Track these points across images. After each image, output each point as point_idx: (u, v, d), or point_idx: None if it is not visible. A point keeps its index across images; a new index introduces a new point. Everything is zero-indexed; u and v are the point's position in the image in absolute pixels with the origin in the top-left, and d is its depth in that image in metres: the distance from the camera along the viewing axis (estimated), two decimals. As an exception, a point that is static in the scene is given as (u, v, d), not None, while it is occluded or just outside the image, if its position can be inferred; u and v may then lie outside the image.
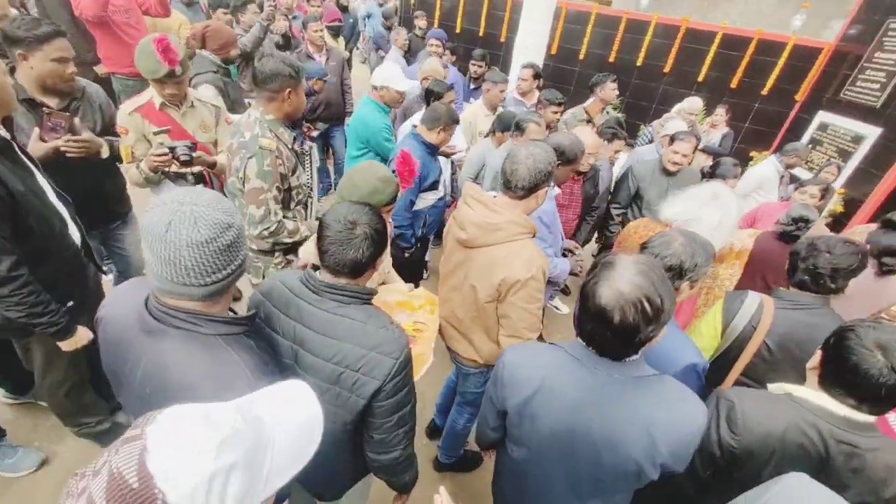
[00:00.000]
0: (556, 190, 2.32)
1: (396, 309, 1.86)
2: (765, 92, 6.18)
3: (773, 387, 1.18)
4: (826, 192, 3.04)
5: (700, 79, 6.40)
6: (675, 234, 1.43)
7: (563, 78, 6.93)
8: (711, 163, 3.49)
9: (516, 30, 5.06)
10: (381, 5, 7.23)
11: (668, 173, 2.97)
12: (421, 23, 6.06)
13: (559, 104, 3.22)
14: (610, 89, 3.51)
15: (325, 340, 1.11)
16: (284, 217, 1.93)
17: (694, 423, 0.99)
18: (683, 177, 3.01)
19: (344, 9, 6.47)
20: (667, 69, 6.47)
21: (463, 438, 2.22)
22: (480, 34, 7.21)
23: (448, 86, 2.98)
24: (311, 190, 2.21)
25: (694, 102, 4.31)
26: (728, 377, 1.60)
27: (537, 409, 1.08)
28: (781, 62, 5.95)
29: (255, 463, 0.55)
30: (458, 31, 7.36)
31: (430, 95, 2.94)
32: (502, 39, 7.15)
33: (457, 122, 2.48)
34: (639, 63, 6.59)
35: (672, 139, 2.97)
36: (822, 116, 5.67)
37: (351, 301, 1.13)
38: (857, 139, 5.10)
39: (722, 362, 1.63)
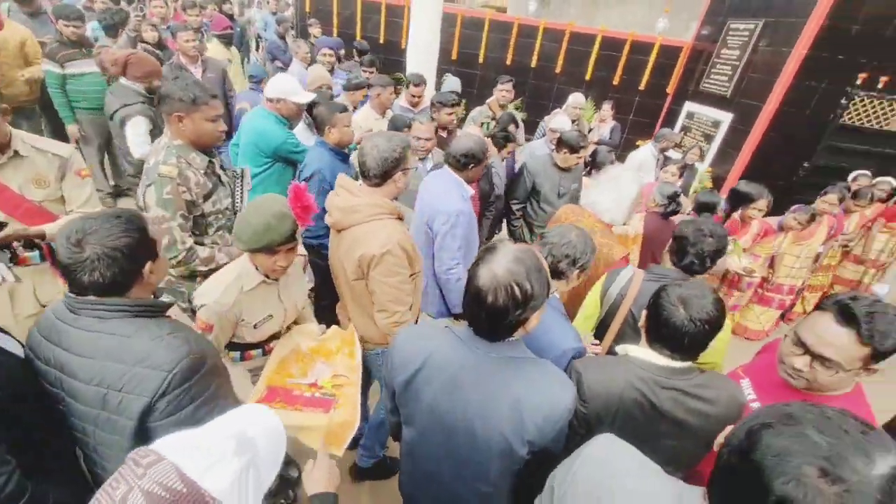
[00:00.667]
0: (471, 190, 2.39)
1: (311, 357, 1.77)
2: (642, 87, 6.89)
3: (618, 349, 1.31)
4: (683, 169, 3.45)
5: (587, 77, 6.96)
6: (570, 226, 1.57)
7: (466, 81, 7.14)
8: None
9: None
10: (274, 14, 6.94)
11: (559, 168, 3.19)
12: (315, 31, 5.91)
13: (452, 105, 3.30)
14: (498, 90, 3.68)
15: (83, 361, 1.01)
16: (201, 244, 1.89)
17: (560, 404, 1.04)
18: (573, 169, 3.25)
19: (230, 17, 6.10)
20: (558, 70, 6.95)
21: (383, 433, 2.16)
22: (381, 41, 7.20)
23: (329, 95, 2.93)
24: (236, 213, 2.07)
25: (577, 98, 4.68)
26: (603, 343, 1.76)
27: (421, 386, 1.12)
28: (652, 60, 6.67)
29: (258, 462, 0.73)
30: (358, 38, 7.29)
31: (314, 108, 2.85)
32: (403, 46, 7.21)
33: (343, 109, 2.50)
34: (533, 65, 7.00)
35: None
36: (688, 106, 6.45)
37: (113, 315, 1.03)
38: (717, 124, 5.88)
39: (601, 330, 1.80)
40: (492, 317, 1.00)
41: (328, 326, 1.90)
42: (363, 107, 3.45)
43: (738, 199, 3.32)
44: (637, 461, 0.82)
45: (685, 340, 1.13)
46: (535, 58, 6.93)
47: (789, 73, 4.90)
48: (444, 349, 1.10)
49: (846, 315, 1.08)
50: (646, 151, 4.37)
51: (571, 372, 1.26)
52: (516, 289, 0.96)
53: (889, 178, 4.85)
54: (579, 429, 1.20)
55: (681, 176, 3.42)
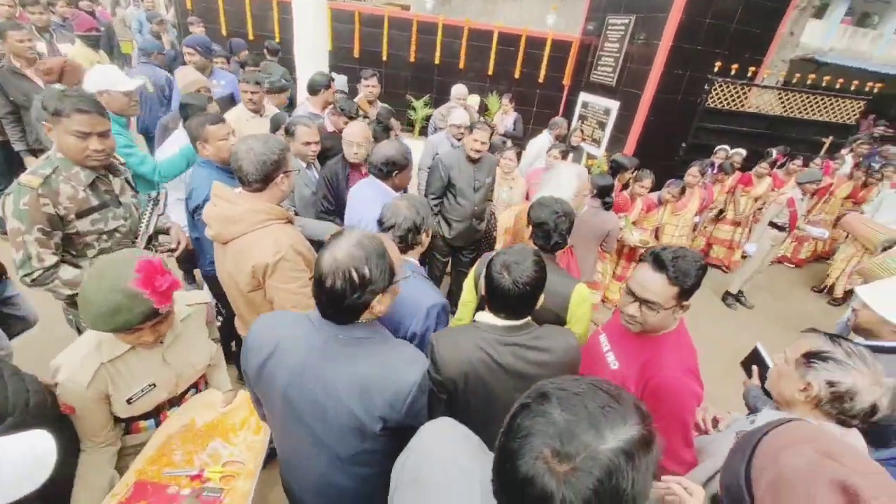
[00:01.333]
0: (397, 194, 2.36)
1: (207, 436, 1.46)
2: (540, 80, 7.26)
3: (475, 317, 1.42)
4: (566, 153, 3.69)
5: (490, 73, 7.17)
6: (396, 201, 1.64)
7: (372, 80, 7.05)
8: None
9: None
10: (147, 10, 6.25)
11: (471, 160, 3.22)
12: (198, 30, 5.42)
13: (350, 117, 3.17)
14: (364, 86, 3.66)
15: None
16: (75, 265, 1.74)
17: (407, 379, 1.08)
18: (484, 162, 3.31)
19: (90, 14, 5.38)
20: (462, 65, 7.08)
21: None
22: (276, 39, 6.82)
23: (206, 98, 2.67)
24: (136, 238, 1.94)
25: (460, 89, 4.80)
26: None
27: (273, 371, 1.12)
28: (546, 54, 7.05)
29: None
30: (251, 38, 6.83)
31: (185, 109, 2.58)
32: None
33: (218, 120, 2.25)
34: (437, 62, 7.06)
35: (471, 129, 3.20)
36: (583, 96, 6.92)
37: None
38: (607, 112, 6.36)
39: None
40: (331, 300, 1.03)
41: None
42: (238, 105, 3.20)
43: (616, 169, 3.75)
44: (455, 445, 0.85)
45: (514, 301, 1.27)
46: (438, 54, 6.99)
47: (660, 62, 5.44)
48: (296, 334, 1.12)
49: (658, 262, 1.26)
50: (542, 139, 4.62)
51: (428, 345, 1.35)
52: (354, 273, 1.01)
53: (740, 150, 5.58)
54: (440, 393, 1.29)
55: (563, 157, 3.65)
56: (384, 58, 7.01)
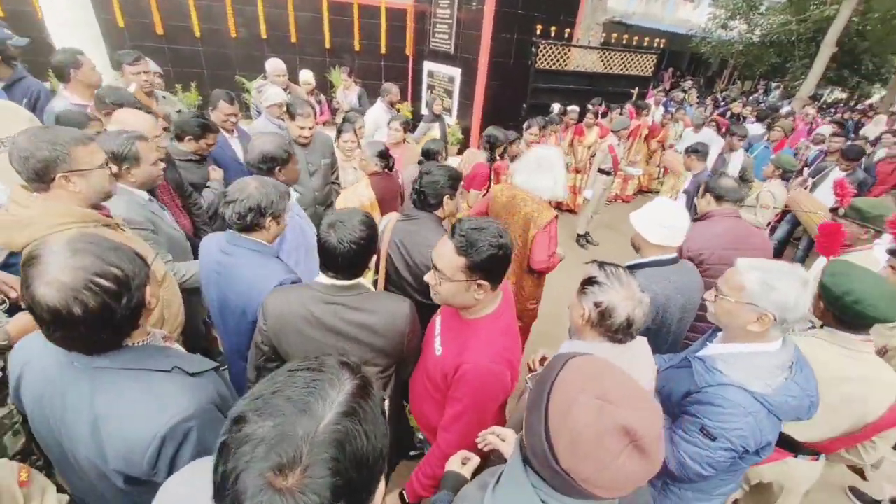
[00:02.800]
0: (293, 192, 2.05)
1: None
2: (383, 51, 7.01)
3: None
4: (406, 124, 3.61)
5: (328, 46, 6.66)
6: (248, 179, 1.56)
7: (176, 59, 6.03)
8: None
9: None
10: None
11: (302, 146, 2.89)
12: None
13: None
14: (129, 73, 3.02)
15: None
16: None
17: (149, 427, 0.86)
18: (316, 143, 3.00)
19: None
20: (294, 39, 6.44)
21: None
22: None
23: None
24: None
25: (276, 65, 4.30)
26: (380, 278, 1.93)
27: (24, 399, 0.98)
28: (384, 24, 6.79)
29: None
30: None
31: None
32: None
33: None
34: (264, 35, 6.30)
35: (293, 116, 2.82)
36: (427, 65, 6.89)
37: None
38: (451, 79, 6.43)
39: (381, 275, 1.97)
40: (91, 329, 0.83)
41: None
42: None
43: (493, 144, 3.50)
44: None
45: (339, 260, 1.27)
46: (263, 27, 6.23)
47: (488, 27, 5.61)
48: (42, 357, 0.94)
49: (451, 230, 1.22)
50: (377, 109, 4.48)
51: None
52: (103, 281, 0.82)
53: (574, 107, 6.16)
54: (262, 346, 1.36)
55: (407, 130, 3.56)
56: (197, 34, 6.01)
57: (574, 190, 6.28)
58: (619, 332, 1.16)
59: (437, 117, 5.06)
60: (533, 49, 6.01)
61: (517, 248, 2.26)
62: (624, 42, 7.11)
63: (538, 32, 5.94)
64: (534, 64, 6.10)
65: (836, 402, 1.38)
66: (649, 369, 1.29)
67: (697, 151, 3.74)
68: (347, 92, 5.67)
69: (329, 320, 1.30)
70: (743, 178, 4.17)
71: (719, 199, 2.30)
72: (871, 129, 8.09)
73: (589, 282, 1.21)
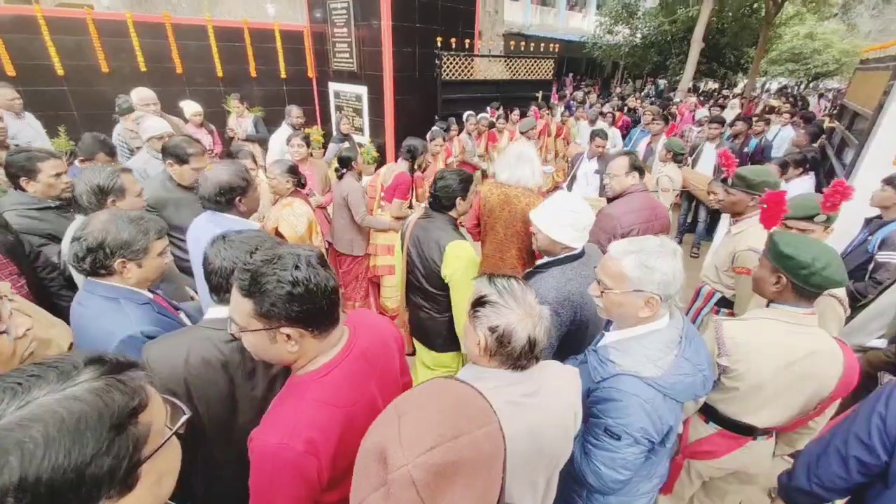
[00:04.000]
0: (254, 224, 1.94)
1: None
2: (283, 75, 6.68)
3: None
4: (307, 139, 3.46)
5: (220, 74, 6.21)
6: (99, 213, 1.36)
7: (37, 100, 5.28)
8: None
9: None
10: None
11: (184, 187, 2.49)
12: None
13: None
14: None
15: None
16: None
17: None
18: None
19: None
20: (179, 70, 5.91)
21: None
22: None
23: None
24: None
25: (141, 93, 3.94)
26: (403, 280, 2.11)
27: None
28: (280, 47, 6.49)
29: None
30: None
31: None
32: None
33: None
34: (143, 69, 5.71)
35: (182, 160, 2.41)
36: (333, 86, 6.67)
37: None
38: (359, 98, 6.28)
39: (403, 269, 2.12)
40: None
41: None
42: None
43: (413, 154, 3.40)
44: None
45: (225, 284, 1.09)
46: (140, 60, 5.65)
47: (388, 42, 5.55)
48: None
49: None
50: (281, 132, 4.23)
51: None
52: None
53: (485, 114, 6.27)
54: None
55: (309, 146, 3.41)
56: (59, 71, 5.30)
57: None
58: (522, 358, 0.99)
59: (346, 136, 4.86)
60: (437, 61, 6.05)
61: (519, 242, 2.31)
62: (522, 49, 7.44)
63: (439, 45, 6.00)
64: (439, 76, 6.13)
65: (793, 381, 1.33)
66: (568, 394, 1.08)
67: (600, 135, 4.18)
68: (241, 119, 5.28)
69: (235, 364, 1.08)
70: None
71: (642, 173, 2.48)
72: (728, 113, 9.10)
73: (480, 302, 1.02)
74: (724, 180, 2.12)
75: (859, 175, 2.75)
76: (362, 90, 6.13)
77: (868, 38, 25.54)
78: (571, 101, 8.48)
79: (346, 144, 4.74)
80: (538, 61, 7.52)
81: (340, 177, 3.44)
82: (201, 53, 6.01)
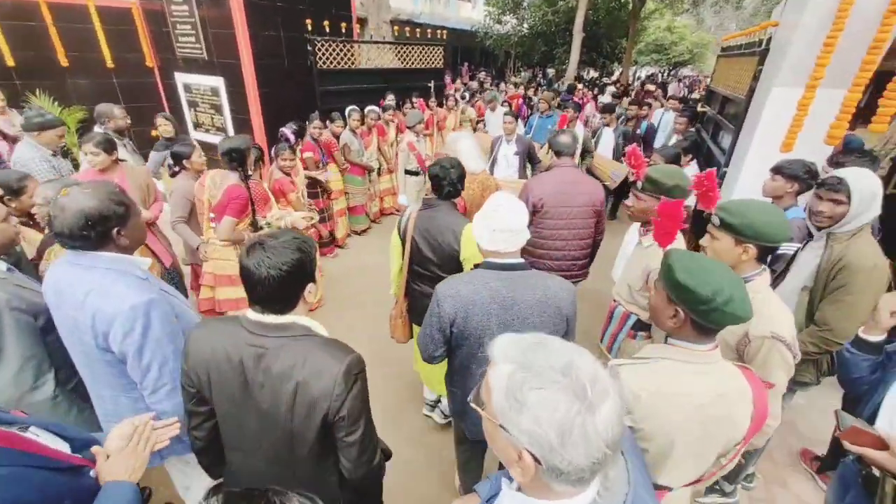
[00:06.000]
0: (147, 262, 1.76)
1: None
2: (111, 65, 5.30)
3: None
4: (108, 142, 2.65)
5: (10, 63, 4.67)
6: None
7: None
8: None
9: None
10: None
11: None
12: None
13: None
14: None
15: None
16: None
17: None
18: None
19: None
20: (-61, 57, 4.30)
21: None
22: None
23: None
24: None
25: None
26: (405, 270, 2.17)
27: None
28: (99, 27, 5.10)
29: None
30: None
31: None
32: None
33: None
34: None
35: None
36: (181, 77, 5.46)
37: None
38: (216, 91, 5.19)
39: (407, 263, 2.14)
40: None
41: None
42: None
43: (240, 160, 2.66)
44: None
45: (258, 288, 1.02)
46: None
47: (242, 24, 4.58)
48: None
49: None
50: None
51: None
52: None
53: (374, 107, 5.61)
54: (188, 386, 1.12)
55: (109, 152, 2.71)
56: None
57: (393, 191, 5.83)
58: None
59: (170, 141, 3.83)
60: (309, 47, 5.21)
61: None
62: (410, 37, 6.90)
63: (310, 29, 5.16)
64: (314, 64, 5.30)
65: (705, 431, 1.08)
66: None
67: (507, 114, 4.39)
68: (3, 117, 3.88)
69: (251, 367, 1.04)
70: (585, 150, 4.71)
71: (558, 153, 2.63)
72: (605, 98, 9.68)
73: None
74: (634, 183, 1.80)
75: (746, 162, 2.71)
76: (218, 81, 5.06)
77: (709, 31, 29.73)
78: (466, 90, 8.19)
79: (167, 152, 3.73)
80: (427, 49, 7.01)
81: (173, 174, 3.11)
82: (-27, 35, 4.45)
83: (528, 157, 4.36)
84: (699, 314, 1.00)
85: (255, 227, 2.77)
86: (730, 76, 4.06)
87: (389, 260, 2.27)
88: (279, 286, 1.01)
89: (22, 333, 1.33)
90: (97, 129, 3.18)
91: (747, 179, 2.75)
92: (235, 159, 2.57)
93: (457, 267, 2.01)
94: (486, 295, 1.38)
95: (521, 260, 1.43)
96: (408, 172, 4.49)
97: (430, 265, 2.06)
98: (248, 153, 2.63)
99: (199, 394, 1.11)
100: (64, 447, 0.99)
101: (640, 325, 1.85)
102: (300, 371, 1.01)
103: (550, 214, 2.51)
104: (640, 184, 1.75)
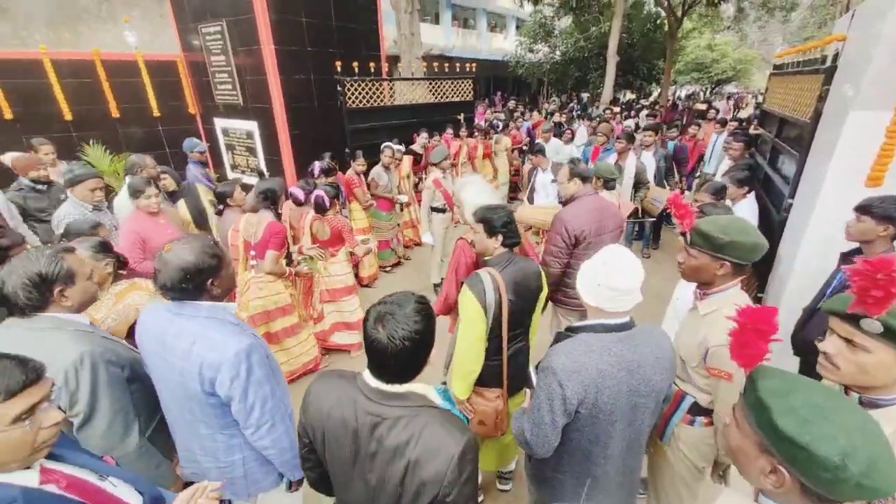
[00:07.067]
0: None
1: None
2: (157, 113, 5.62)
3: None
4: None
5: (69, 117, 5.04)
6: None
7: None
8: None
9: None
10: None
11: None
12: None
13: None
14: None
15: None
16: None
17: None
18: None
19: None
20: (8, 115, 4.69)
21: None
22: None
23: None
24: None
25: None
26: (503, 339, 1.78)
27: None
28: (148, 80, 5.45)
29: None
30: None
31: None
32: None
33: None
34: (-49, 116, 4.45)
35: None
36: (219, 122, 5.70)
37: None
38: (250, 135, 5.35)
39: (497, 331, 1.77)
40: None
41: None
42: None
43: (274, 200, 2.93)
44: None
45: (390, 360, 0.99)
46: (-55, 106, 4.39)
47: (273, 69, 4.72)
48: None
49: None
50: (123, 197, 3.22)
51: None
52: None
53: (390, 143, 5.56)
54: (304, 437, 1.13)
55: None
56: None
57: (412, 224, 5.72)
58: None
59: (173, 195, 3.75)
60: (338, 87, 5.29)
61: None
62: (440, 71, 6.95)
63: (339, 70, 5.26)
64: (344, 104, 5.37)
65: None
66: None
67: (540, 151, 4.71)
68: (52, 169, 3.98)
69: (366, 435, 1.01)
70: (639, 181, 4.51)
71: (584, 180, 2.63)
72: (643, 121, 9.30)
73: None
74: (683, 234, 1.49)
75: (822, 196, 2.31)
76: (252, 125, 5.23)
77: (753, 46, 28.50)
78: (496, 121, 8.11)
79: (181, 202, 3.76)
80: (456, 82, 7.01)
81: (219, 213, 3.19)
82: (38, 93, 4.83)
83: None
84: (819, 483, 0.67)
85: (289, 259, 3.05)
86: (788, 96, 3.65)
87: (464, 352, 1.76)
88: (410, 356, 1.00)
89: (114, 386, 1.36)
90: (128, 179, 3.25)
91: (823, 216, 2.34)
92: (269, 198, 2.83)
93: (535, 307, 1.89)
94: (614, 363, 1.20)
95: (630, 317, 1.28)
96: (434, 210, 4.33)
97: (526, 318, 1.89)
98: (281, 194, 2.91)
99: (311, 444, 1.12)
100: (136, 500, 1.06)
101: (699, 409, 1.50)
102: (413, 449, 0.97)
103: (593, 245, 2.46)
104: (688, 237, 1.45)
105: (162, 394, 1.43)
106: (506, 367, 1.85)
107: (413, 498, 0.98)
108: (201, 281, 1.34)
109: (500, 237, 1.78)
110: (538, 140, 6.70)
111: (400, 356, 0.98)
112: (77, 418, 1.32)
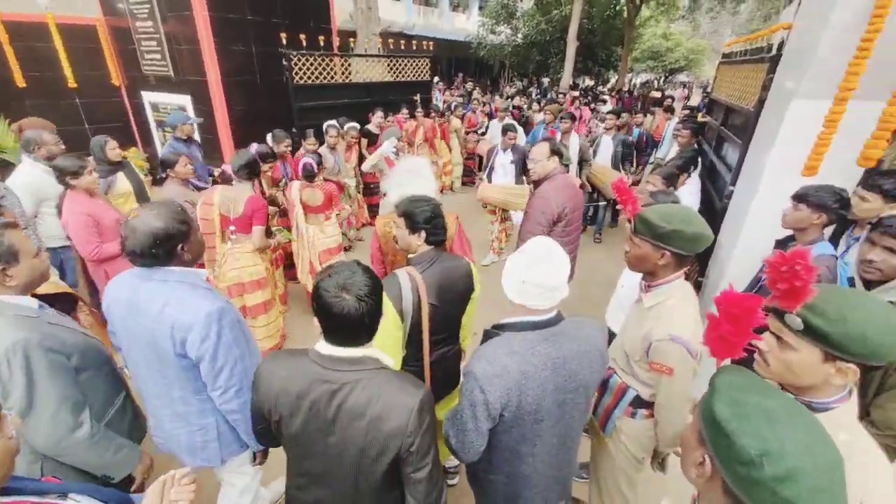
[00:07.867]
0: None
1: None
2: (73, 84, 5.01)
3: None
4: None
5: (-38, 85, 4.38)
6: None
7: None
8: None
9: None
10: None
11: None
12: None
13: None
14: None
15: None
16: None
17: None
18: None
19: None
20: None
21: None
22: None
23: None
24: None
25: None
26: (424, 344, 1.62)
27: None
28: (61, 46, 4.82)
29: None
30: None
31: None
32: None
33: None
34: None
35: None
36: (148, 96, 5.17)
37: None
38: (183, 110, 4.88)
39: (418, 337, 1.61)
40: None
41: None
42: None
43: (253, 172, 2.84)
44: None
45: (364, 321, 1.01)
46: None
47: (208, 39, 4.29)
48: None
49: None
50: (26, 171, 2.82)
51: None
52: None
53: (354, 123, 5.28)
54: (255, 415, 1.16)
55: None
56: None
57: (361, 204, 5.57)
58: None
59: (118, 165, 3.42)
60: (284, 61, 4.90)
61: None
62: (397, 49, 6.64)
63: (285, 43, 4.87)
64: (291, 80, 5.00)
65: None
66: None
67: (511, 129, 4.55)
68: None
69: (322, 407, 1.02)
70: (583, 159, 4.66)
71: (561, 156, 2.62)
72: (604, 107, 9.46)
73: None
74: (629, 221, 1.43)
75: (762, 184, 2.35)
76: (185, 100, 4.77)
77: (704, 37, 29.64)
78: (454, 104, 7.94)
79: (118, 175, 3.35)
80: (413, 61, 6.73)
81: (160, 181, 3.14)
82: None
83: (523, 165, 4.13)
84: (735, 479, 0.63)
85: (268, 233, 2.99)
86: (734, 85, 3.72)
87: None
88: (376, 312, 1.03)
89: (57, 375, 1.28)
90: (25, 157, 2.82)
91: (762, 205, 2.39)
92: (251, 170, 2.75)
93: (464, 309, 1.76)
94: (538, 363, 1.14)
95: (557, 311, 1.20)
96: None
97: (453, 322, 1.75)
98: (256, 164, 2.81)
99: (266, 419, 1.12)
100: None
101: (640, 402, 1.47)
102: (374, 407, 1.00)
103: (571, 220, 2.57)
104: (632, 224, 1.38)
105: (134, 359, 1.42)
106: (428, 372, 1.68)
107: (379, 453, 1.01)
108: (171, 246, 1.35)
109: (423, 234, 1.59)
110: (507, 121, 6.60)
111: (369, 314, 1.02)
112: (12, 411, 1.18)
